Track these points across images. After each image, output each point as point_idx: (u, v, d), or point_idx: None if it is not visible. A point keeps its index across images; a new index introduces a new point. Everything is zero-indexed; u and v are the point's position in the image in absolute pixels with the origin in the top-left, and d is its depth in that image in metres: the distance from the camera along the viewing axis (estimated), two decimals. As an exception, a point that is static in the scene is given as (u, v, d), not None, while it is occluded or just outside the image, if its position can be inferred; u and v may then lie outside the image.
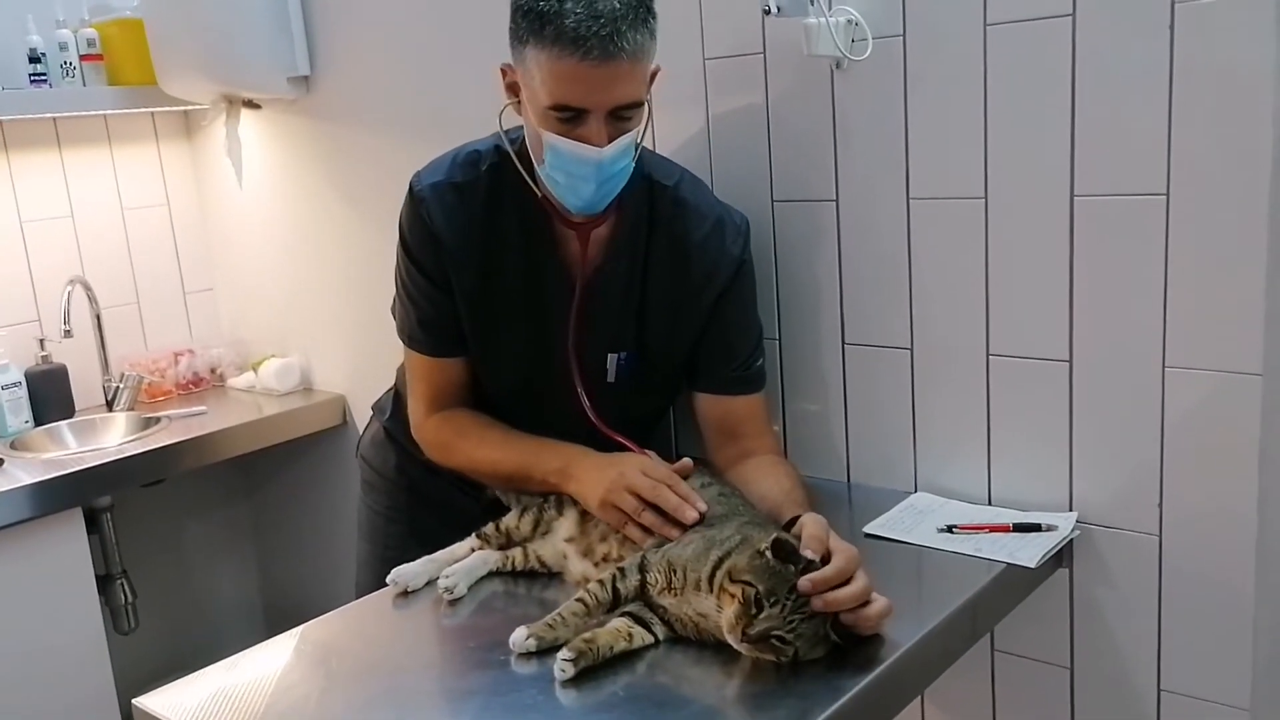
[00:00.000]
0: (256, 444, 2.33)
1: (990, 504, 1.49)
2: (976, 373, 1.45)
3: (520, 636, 1.18)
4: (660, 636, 1.20)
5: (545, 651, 1.13)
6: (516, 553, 1.38)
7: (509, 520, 1.46)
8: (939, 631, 1.21)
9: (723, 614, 1.12)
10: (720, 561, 1.17)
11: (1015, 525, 1.37)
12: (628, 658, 1.13)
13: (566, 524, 1.37)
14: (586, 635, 1.15)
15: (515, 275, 1.44)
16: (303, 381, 2.60)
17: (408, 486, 1.68)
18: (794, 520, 1.29)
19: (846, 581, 1.11)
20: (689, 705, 1.07)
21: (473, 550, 1.44)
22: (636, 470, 1.36)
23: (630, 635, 1.17)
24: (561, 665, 1.12)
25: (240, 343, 2.74)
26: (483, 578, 1.35)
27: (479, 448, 1.49)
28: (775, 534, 1.16)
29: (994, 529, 1.37)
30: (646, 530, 1.32)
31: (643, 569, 1.24)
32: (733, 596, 1.12)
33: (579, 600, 1.22)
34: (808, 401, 1.64)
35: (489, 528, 1.47)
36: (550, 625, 1.19)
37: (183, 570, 2.81)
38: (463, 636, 1.22)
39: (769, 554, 1.13)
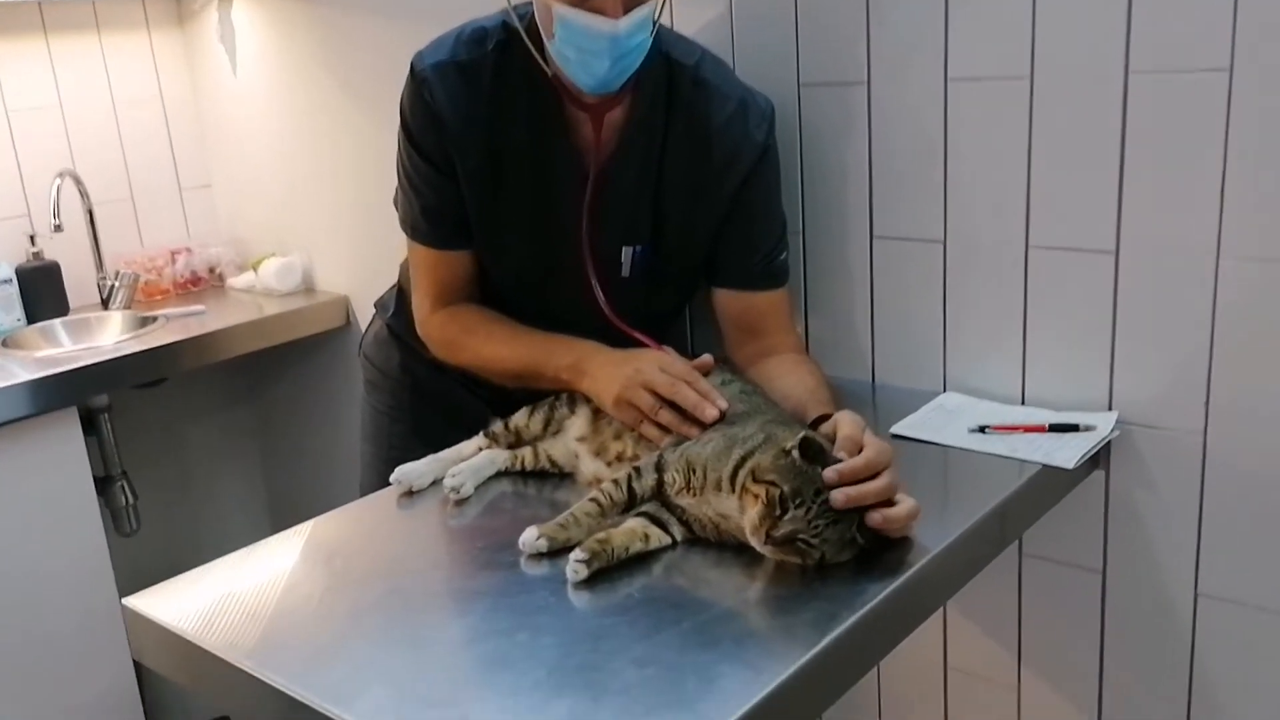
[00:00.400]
0: (257, 344, 2.26)
1: (1023, 404, 1.41)
2: (1014, 266, 1.37)
3: (531, 536, 1.12)
4: (678, 538, 1.14)
5: (557, 553, 1.08)
6: (526, 452, 1.31)
7: (518, 418, 1.39)
8: (970, 535, 1.15)
9: (745, 515, 1.06)
10: (743, 461, 1.11)
11: (1051, 425, 1.30)
12: (644, 559, 1.08)
13: (578, 422, 1.30)
14: (600, 536, 1.09)
15: (524, 161, 1.34)
16: (304, 281, 2.52)
17: (411, 385, 1.61)
18: (820, 419, 1.22)
19: (874, 477, 1.04)
20: (708, 608, 1.01)
21: (480, 449, 1.38)
22: (653, 366, 1.28)
23: (646, 536, 1.11)
24: (574, 567, 1.06)
25: (239, 241, 2.66)
26: (490, 478, 1.29)
27: (486, 344, 1.42)
28: (803, 432, 1.08)
29: (1029, 429, 1.30)
30: (663, 429, 1.25)
31: (659, 468, 1.17)
32: (756, 497, 1.05)
33: (592, 500, 1.15)
34: (832, 298, 1.56)
35: (497, 426, 1.40)
36: (562, 525, 1.13)
37: (185, 473, 2.77)
38: (470, 537, 1.16)
39: (796, 453, 1.06)
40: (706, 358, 1.33)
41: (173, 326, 2.31)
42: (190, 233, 2.67)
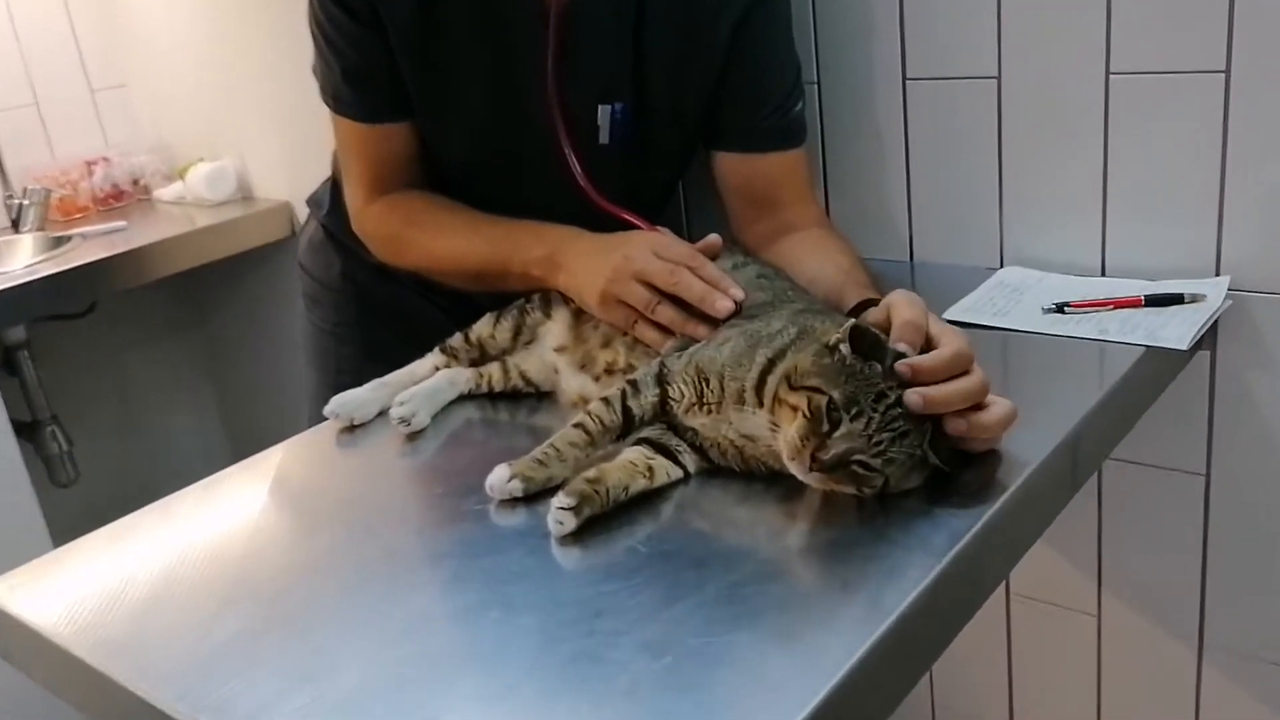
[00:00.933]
0: (189, 262, 1.99)
1: (1104, 275, 1.14)
2: (1091, 100, 1.09)
3: (501, 477, 0.87)
4: (691, 469, 0.90)
5: (536, 496, 0.86)
6: (494, 369, 1.06)
7: (481, 328, 1.12)
8: (1071, 442, 0.89)
9: (781, 434, 0.81)
10: (772, 363, 0.84)
11: (1148, 298, 1.04)
12: (648, 500, 0.86)
13: (556, 329, 1.04)
14: (590, 473, 0.84)
15: (466, 1, 1.04)
16: (240, 189, 2.23)
17: (356, 296, 1.37)
18: (863, 306, 0.95)
19: (954, 377, 0.77)
20: (739, 564, 0.76)
21: (436, 369, 1.11)
22: (646, 251, 1.00)
23: (650, 470, 0.86)
24: (558, 515, 0.81)
25: (165, 148, 2.35)
26: (451, 403, 1.07)
27: (437, 238, 1.14)
28: (851, 321, 0.81)
29: (1120, 304, 1.04)
30: (664, 330, 0.98)
31: (662, 381, 0.91)
32: (794, 409, 0.79)
33: (577, 426, 0.89)
34: (856, 161, 1.31)
35: (456, 339, 1.13)
36: (541, 461, 0.87)
37: (128, 412, 2.50)
38: (426, 480, 0.97)
39: (845, 348, 0.79)
40: (713, 238, 1.05)
41: (91, 245, 2.03)
42: (108, 140, 2.36)
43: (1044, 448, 0.87)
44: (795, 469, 0.81)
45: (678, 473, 0.90)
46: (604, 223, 1.12)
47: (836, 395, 0.79)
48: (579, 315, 1.09)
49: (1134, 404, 1.01)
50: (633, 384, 0.93)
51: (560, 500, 0.83)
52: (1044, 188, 1.20)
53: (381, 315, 1.38)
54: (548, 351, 1.09)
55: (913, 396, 0.79)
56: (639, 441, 0.91)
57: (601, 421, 0.91)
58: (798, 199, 1.19)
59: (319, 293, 1.44)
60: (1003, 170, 1.22)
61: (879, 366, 0.81)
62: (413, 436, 1.04)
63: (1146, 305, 1.06)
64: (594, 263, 1.05)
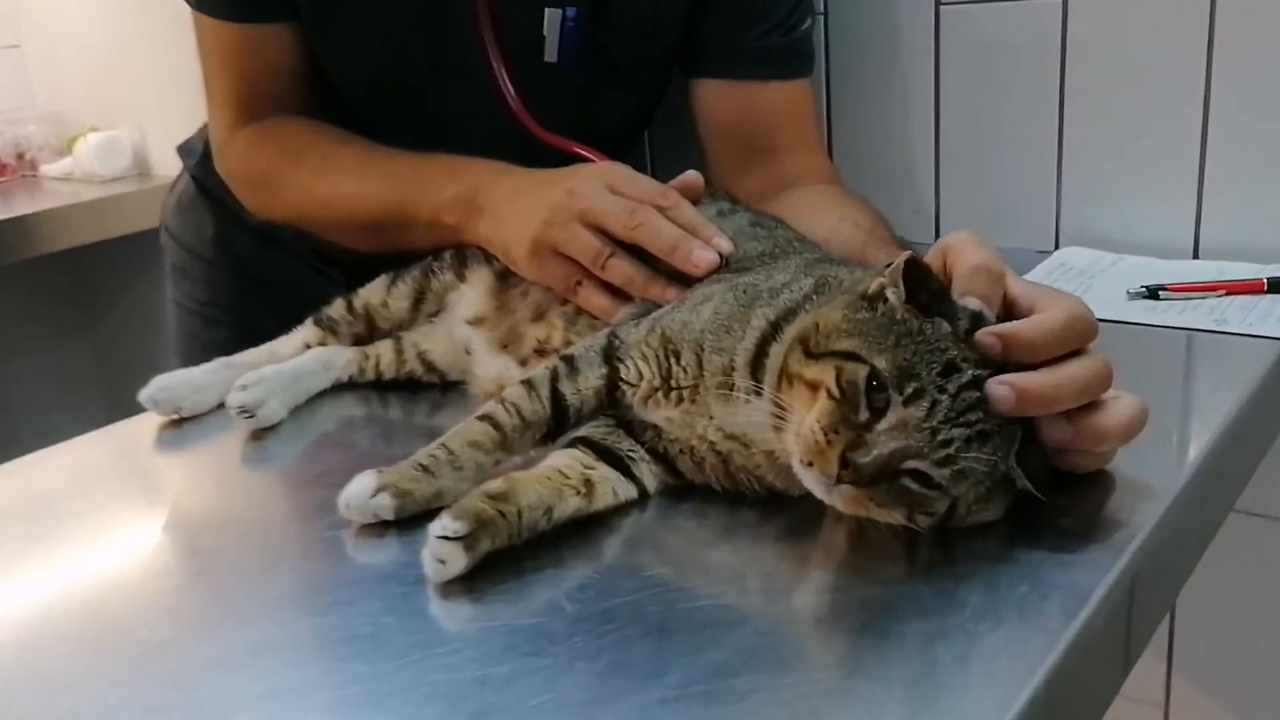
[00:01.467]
0: (67, 241, 1.69)
1: (1196, 258, 0.87)
2: (1192, 45, 0.88)
3: (363, 489, 0.60)
4: (650, 486, 0.63)
5: (418, 520, 0.58)
6: (384, 349, 0.84)
7: (370, 292, 0.84)
8: (1212, 462, 0.60)
9: (792, 427, 0.55)
10: (777, 326, 0.59)
11: (1272, 281, 0.80)
12: (583, 530, 0.59)
13: (471, 295, 0.77)
14: (493, 486, 0.57)
15: None
16: (136, 164, 1.92)
17: (232, 267, 1.11)
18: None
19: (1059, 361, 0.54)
20: (723, 634, 0.47)
21: (307, 347, 0.81)
22: (597, 185, 0.73)
23: (588, 485, 0.60)
24: (438, 550, 0.54)
25: (55, 117, 2.04)
26: (324, 393, 0.81)
27: (321, 176, 0.91)
28: (905, 254, 0.52)
29: (1235, 289, 0.76)
30: (617, 294, 0.70)
31: (611, 356, 0.63)
32: (814, 388, 0.54)
33: (484, 419, 0.62)
34: (870, 110, 1.07)
35: (336, 307, 0.85)
36: (425, 467, 0.60)
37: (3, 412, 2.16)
38: (270, 495, 0.70)
39: (894, 295, 0.55)
40: (691, 175, 0.77)
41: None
42: (-4, 106, 2.04)
43: (1180, 468, 0.58)
44: (812, 481, 0.54)
45: (629, 490, 0.61)
46: (545, 162, 0.83)
47: (882, 364, 0.52)
48: (505, 278, 0.80)
49: (1275, 416, 0.73)
50: (568, 361, 0.64)
51: (443, 525, 0.54)
52: (1119, 151, 0.94)
53: (263, 292, 1.09)
54: (459, 326, 0.80)
55: (999, 389, 0.52)
56: (575, 443, 0.62)
57: (519, 413, 0.62)
58: (801, 145, 0.92)
59: (187, 264, 1.14)
60: (1064, 127, 0.95)
61: (946, 326, 0.52)
62: (260, 434, 0.75)
63: (1270, 291, 0.78)
64: (526, 203, 0.76)
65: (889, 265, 0.54)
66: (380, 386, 0.82)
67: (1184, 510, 0.58)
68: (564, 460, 0.60)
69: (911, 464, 0.52)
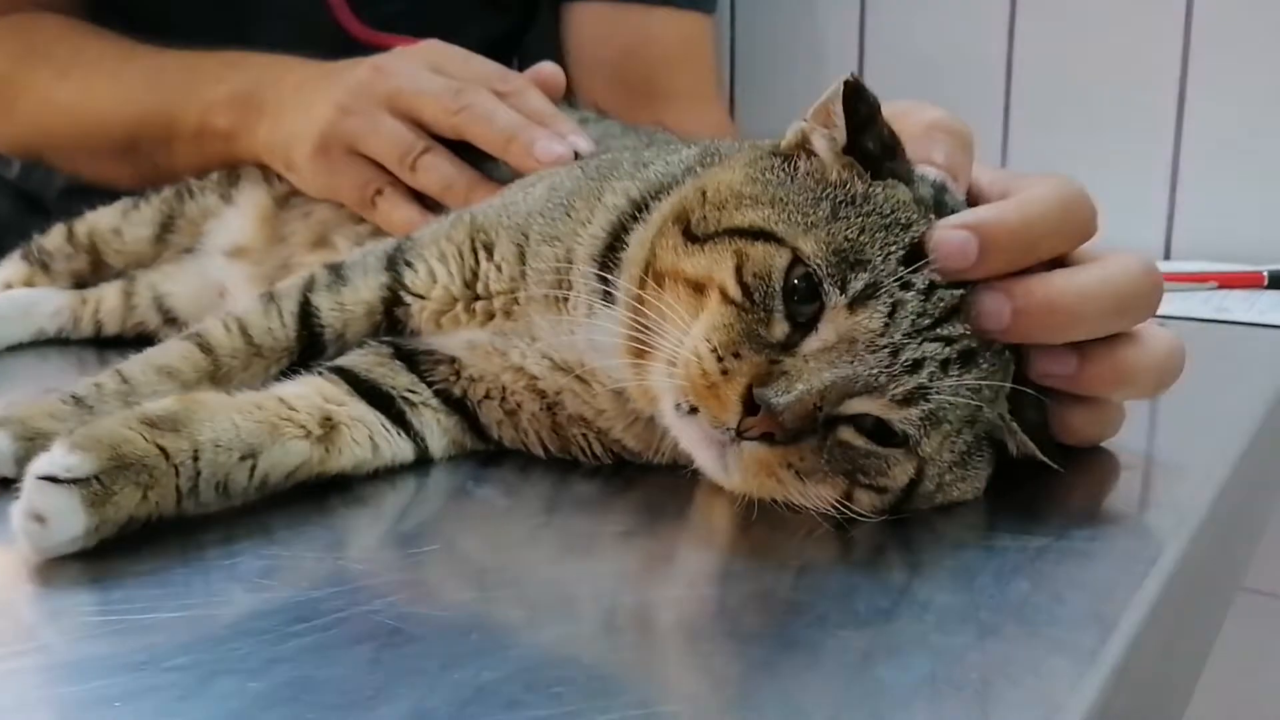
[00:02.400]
0: None
1: (1167, 259, 0.84)
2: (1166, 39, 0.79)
3: None
4: (436, 445, 0.42)
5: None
6: (108, 293, 0.64)
7: (101, 218, 0.64)
8: (1250, 465, 0.41)
9: (659, 347, 0.36)
10: (642, 205, 0.40)
11: (1272, 275, 0.71)
12: (321, 494, 0.37)
13: (237, 222, 0.57)
14: (157, 408, 0.36)
15: None
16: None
17: None
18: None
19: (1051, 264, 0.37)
20: (498, 649, 0.24)
21: (8, 287, 0.58)
22: (415, 64, 0.52)
23: (328, 426, 0.38)
24: (37, 502, 0.32)
25: None
26: (23, 348, 0.61)
27: (67, 77, 0.71)
28: (844, 76, 0.33)
29: (1231, 281, 0.60)
30: (426, 205, 0.49)
31: (396, 261, 0.41)
32: (699, 289, 0.36)
33: (188, 339, 0.43)
34: (779, 67, 0.92)
35: (52, 237, 0.64)
36: (78, 400, 0.41)
37: None
38: None
39: (823, 141, 0.37)
40: (548, 67, 0.57)
41: None
42: None
43: (1217, 461, 0.39)
44: (694, 438, 0.35)
45: (400, 447, 0.41)
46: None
47: (810, 246, 0.35)
48: (285, 201, 0.59)
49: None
50: (335, 269, 0.44)
51: (52, 460, 0.31)
52: (1094, 152, 0.80)
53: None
54: (214, 260, 0.59)
55: (991, 296, 0.34)
56: (326, 373, 0.40)
57: (243, 331, 0.41)
58: (694, 93, 0.76)
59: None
60: (1010, 102, 0.79)
61: (905, 191, 0.35)
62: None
63: (1271, 286, 0.62)
64: (319, 94, 0.56)
65: (843, 80, 0.35)
66: (101, 344, 0.60)
67: (1229, 502, 0.38)
68: (294, 389, 0.38)
69: (859, 405, 0.33)
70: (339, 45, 0.69)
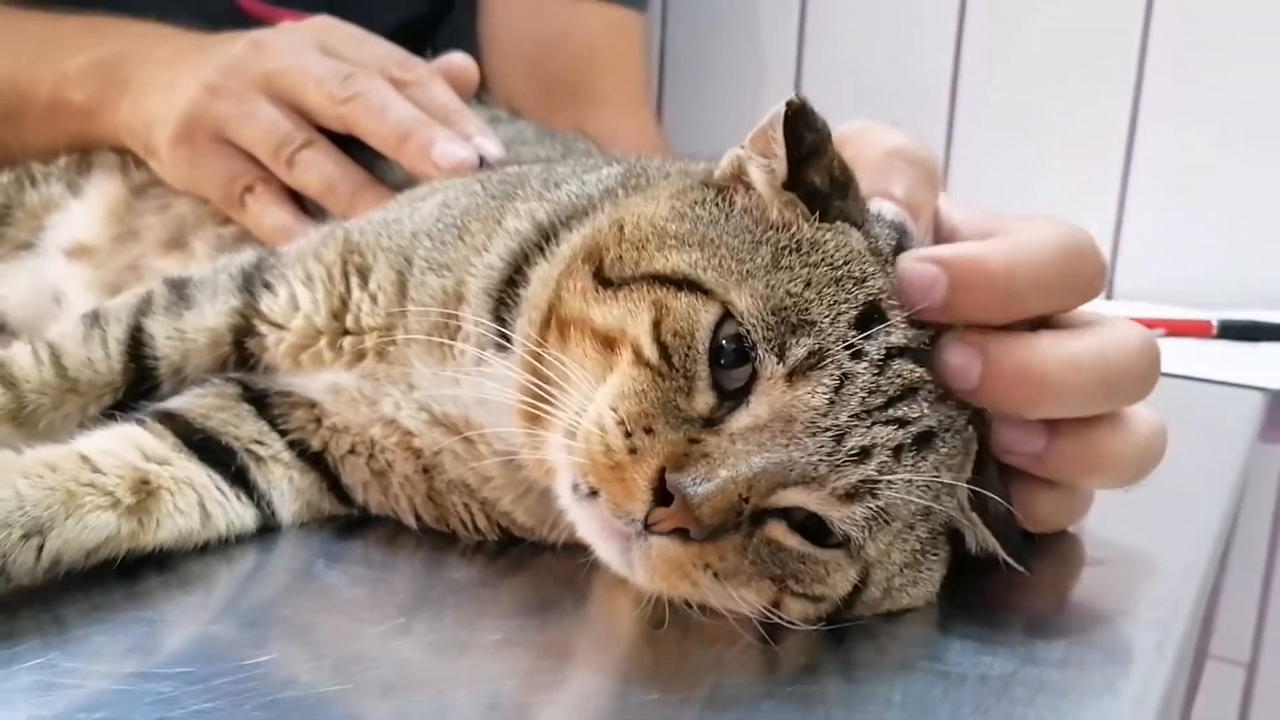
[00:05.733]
0: None
1: (1110, 299, 0.79)
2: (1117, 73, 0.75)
3: None
4: (285, 510, 0.34)
5: None
6: None
7: None
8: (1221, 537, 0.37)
9: (559, 411, 0.29)
10: (549, 232, 0.34)
11: (1224, 325, 0.66)
12: (133, 571, 0.30)
13: (82, 216, 0.48)
14: None
15: None
16: None
17: None
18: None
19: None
20: None
21: None
22: (300, 41, 0.44)
23: (143, 492, 0.31)
24: None
25: None
26: None
27: None
28: (789, 98, 0.26)
29: (1179, 329, 0.55)
30: (307, 212, 0.41)
31: (254, 280, 0.34)
32: (609, 344, 0.30)
33: None
34: (712, 63, 0.86)
35: None
36: None
37: None
38: None
39: (760, 174, 0.31)
40: (458, 58, 0.50)
41: None
42: None
43: (1192, 553, 0.35)
44: (594, 526, 0.29)
45: (239, 513, 0.35)
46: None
47: (744, 302, 0.29)
48: (142, 193, 0.51)
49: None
50: (177, 287, 0.37)
51: None
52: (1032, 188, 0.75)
53: None
54: (52, 260, 0.50)
55: (959, 351, 0.29)
56: (149, 419, 0.33)
57: (55, 361, 0.34)
58: (621, 95, 0.70)
59: None
60: (953, 125, 0.75)
61: (857, 238, 0.30)
62: None
63: (1220, 336, 0.58)
64: (188, 70, 0.49)
65: (784, 103, 0.29)
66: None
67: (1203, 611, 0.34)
68: (102, 442, 0.31)
69: (793, 497, 0.28)
70: (228, 18, 0.62)
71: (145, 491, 0.30)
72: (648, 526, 0.27)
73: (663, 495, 0.27)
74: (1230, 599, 0.70)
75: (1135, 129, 0.77)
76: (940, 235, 0.35)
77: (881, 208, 0.32)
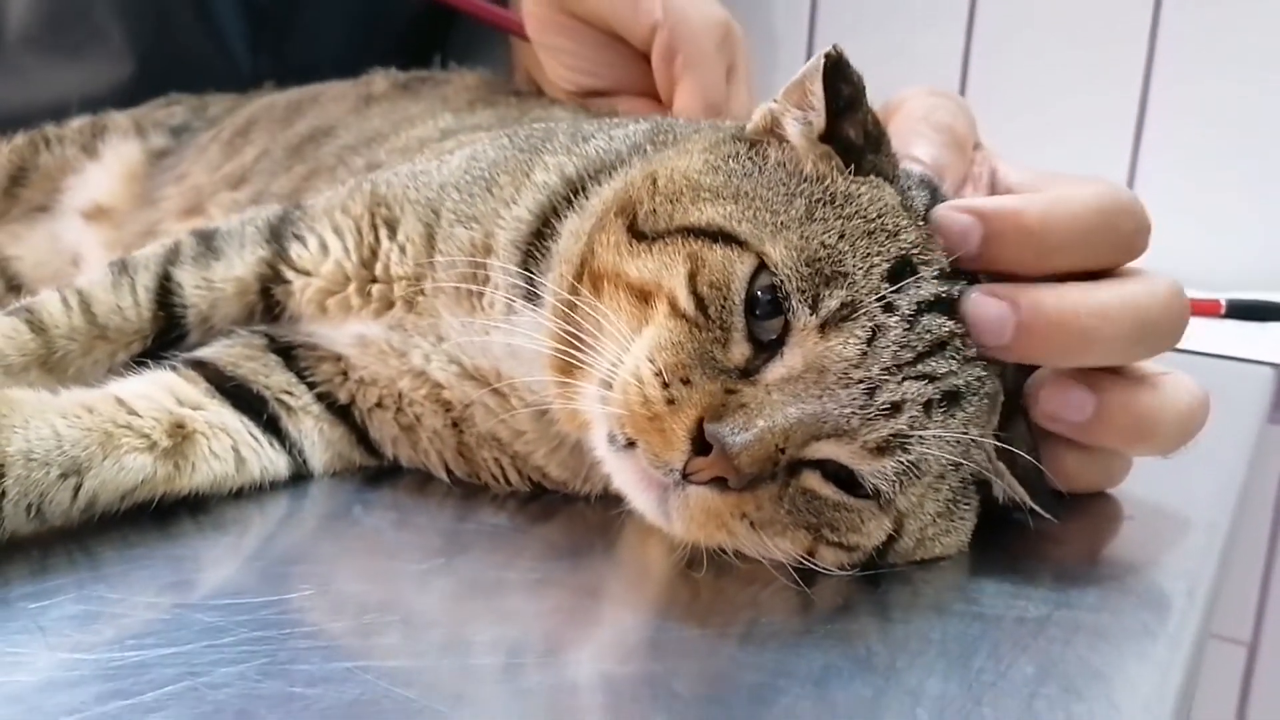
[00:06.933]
0: None
1: None
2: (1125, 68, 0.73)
3: None
4: (317, 459, 0.34)
5: None
6: None
7: None
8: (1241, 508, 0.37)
9: (594, 362, 0.29)
10: (578, 186, 0.34)
11: (1232, 305, 0.66)
12: (169, 515, 0.30)
13: (99, 179, 0.48)
14: None
15: None
16: None
17: None
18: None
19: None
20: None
21: None
22: None
23: (179, 437, 0.31)
24: None
25: None
26: None
27: None
28: (825, 50, 0.27)
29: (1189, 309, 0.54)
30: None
31: (281, 231, 0.35)
32: (644, 297, 0.29)
33: (14, 313, 0.34)
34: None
35: None
36: None
37: None
38: None
39: (797, 126, 0.31)
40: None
41: None
42: None
43: (1216, 511, 0.35)
44: (631, 476, 0.29)
45: (272, 460, 0.34)
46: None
47: (779, 252, 0.28)
48: (160, 158, 0.51)
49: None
50: (205, 237, 0.37)
51: None
52: (1026, 141, 0.74)
53: None
54: (70, 221, 0.51)
55: (990, 305, 0.29)
56: (183, 368, 0.33)
57: (85, 308, 0.33)
58: None
59: None
60: (965, 93, 0.74)
61: (890, 193, 0.30)
62: None
63: (1229, 316, 0.59)
64: None
65: (824, 52, 0.29)
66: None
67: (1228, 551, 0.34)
68: (138, 387, 0.31)
69: (826, 449, 0.27)
70: None
71: (181, 435, 0.30)
72: (686, 476, 0.27)
73: (701, 445, 0.27)
74: (1232, 578, 0.71)
75: (1145, 110, 0.77)
76: (998, 194, 0.36)
77: (908, 167, 0.33)
